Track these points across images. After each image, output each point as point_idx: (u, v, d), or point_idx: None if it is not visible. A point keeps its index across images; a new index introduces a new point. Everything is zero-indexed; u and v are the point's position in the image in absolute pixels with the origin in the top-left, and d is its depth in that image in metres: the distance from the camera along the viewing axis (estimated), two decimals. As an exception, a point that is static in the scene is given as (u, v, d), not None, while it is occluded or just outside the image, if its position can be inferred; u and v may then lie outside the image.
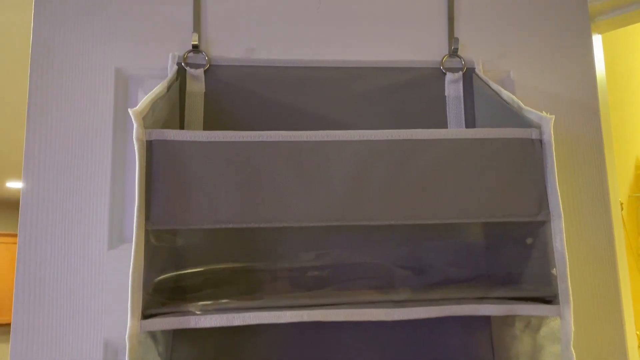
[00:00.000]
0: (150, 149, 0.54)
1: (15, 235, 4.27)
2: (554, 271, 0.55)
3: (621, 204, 1.44)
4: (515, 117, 0.61)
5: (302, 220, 0.54)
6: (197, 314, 0.52)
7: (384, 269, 0.65)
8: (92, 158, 0.70)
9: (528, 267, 0.59)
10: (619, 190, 1.32)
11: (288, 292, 0.63)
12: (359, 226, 0.58)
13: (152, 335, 0.55)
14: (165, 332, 0.60)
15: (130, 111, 0.53)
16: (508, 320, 0.63)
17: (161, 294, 0.56)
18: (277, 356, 0.66)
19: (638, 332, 1.12)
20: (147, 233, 0.52)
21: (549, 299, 0.55)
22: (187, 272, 0.62)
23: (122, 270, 0.68)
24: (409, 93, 0.73)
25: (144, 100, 0.56)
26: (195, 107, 0.70)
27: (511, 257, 0.62)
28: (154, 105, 0.57)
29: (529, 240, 0.59)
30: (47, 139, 0.69)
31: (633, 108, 1.76)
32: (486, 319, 0.68)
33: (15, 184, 3.83)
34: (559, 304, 0.54)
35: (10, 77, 2.13)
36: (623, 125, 1.66)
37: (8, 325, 4.28)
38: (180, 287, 0.61)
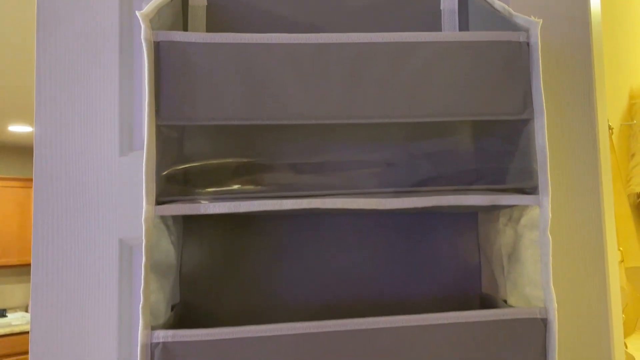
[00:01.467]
0: (158, 49, 0.57)
1: (20, 179, 4.34)
2: (535, 165, 0.59)
3: (611, 128, 1.47)
4: (506, 25, 0.64)
5: (301, 118, 0.58)
6: (206, 202, 0.56)
7: (378, 165, 0.69)
8: (100, 65, 0.73)
9: (512, 163, 0.63)
10: (608, 114, 1.35)
11: (289, 183, 0.67)
12: (354, 125, 0.62)
13: (165, 223, 0.60)
14: (177, 224, 0.65)
15: (137, 13, 0.56)
16: (492, 217, 0.68)
17: (172, 185, 0.60)
18: (278, 251, 0.72)
19: (620, 249, 1.18)
20: (157, 128, 0.56)
21: (530, 191, 0.60)
22: (195, 165, 0.66)
23: (134, 175, 0.73)
24: (404, 7, 0.75)
25: (151, 4, 0.59)
26: (198, 19, 0.72)
27: (496, 154, 0.67)
28: (160, 10, 0.60)
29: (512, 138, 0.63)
30: (56, 47, 0.73)
31: (628, 40, 1.77)
32: (473, 218, 0.73)
33: (18, 128, 3.85)
34: (538, 194, 0.59)
35: (6, 15, 2.12)
36: (618, 56, 1.67)
37: (17, 266, 4.40)
38: (189, 179, 0.66)
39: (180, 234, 0.68)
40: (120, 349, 0.71)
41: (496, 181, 0.66)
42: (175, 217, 0.64)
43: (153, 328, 0.55)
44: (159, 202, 0.56)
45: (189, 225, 0.71)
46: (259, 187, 0.66)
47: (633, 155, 1.65)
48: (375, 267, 0.72)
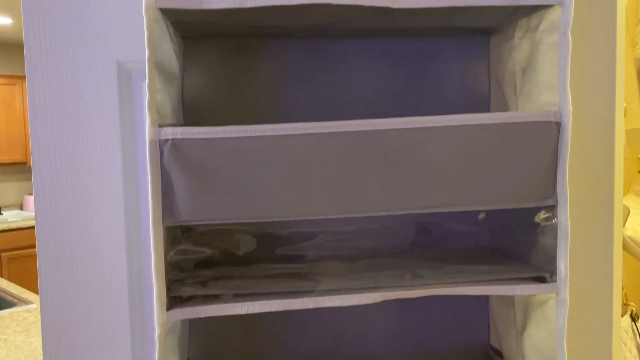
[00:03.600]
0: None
1: (4, 76, 4.21)
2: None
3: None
4: None
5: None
6: None
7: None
8: None
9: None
10: None
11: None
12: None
13: (166, 25, 0.57)
14: (177, 37, 0.62)
15: None
16: (507, 34, 0.66)
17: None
18: (284, 76, 0.69)
19: (624, 104, 1.16)
20: None
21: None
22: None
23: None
24: None
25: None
26: None
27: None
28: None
29: None
30: None
31: None
32: (484, 42, 0.70)
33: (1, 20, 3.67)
34: (560, -5, 0.56)
35: None
36: None
37: (9, 164, 4.38)
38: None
39: (181, 49, 0.65)
40: (125, 183, 0.70)
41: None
42: (175, 27, 0.60)
43: (160, 126, 0.53)
44: None
45: (189, 48, 0.68)
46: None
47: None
48: (384, 93, 0.71)
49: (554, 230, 0.58)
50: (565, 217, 0.57)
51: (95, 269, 0.68)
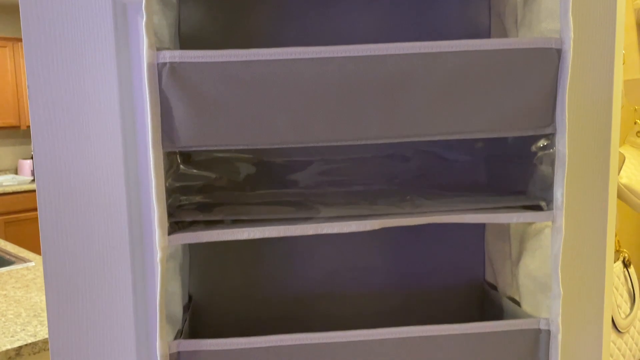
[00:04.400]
0: None
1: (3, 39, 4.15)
2: None
3: None
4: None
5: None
6: None
7: None
8: None
9: None
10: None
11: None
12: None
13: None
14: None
15: None
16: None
17: None
18: (281, 16, 0.68)
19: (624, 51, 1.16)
20: None
21: None
22: None
23: None
24: None
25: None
26: None
27: None
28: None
29: None
30: None
31: None
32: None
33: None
34: None
35: None
36: None
37: (3, 128, 4.34)
38: None
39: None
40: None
41: None
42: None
43: (158, 49, 0.53)
44: None
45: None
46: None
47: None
48: (384, 29, 0.70)
49: (551, 159, 0.58)
50: (564, 146, 0.57)
51: (95, 207, 0.68)
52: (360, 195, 0.66)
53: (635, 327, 1.16)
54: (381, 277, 0.75)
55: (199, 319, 0.72)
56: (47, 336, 1.47)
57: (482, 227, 0.75)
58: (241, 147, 0.55)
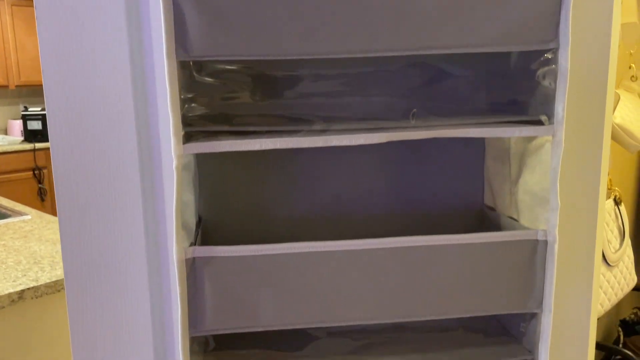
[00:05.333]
0: None
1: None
2: None
3: None
4: None
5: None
6: None
7: None
8: None
9: None
10: None
11: None
12: None
13: None
14: None
15: None
16: None
17: None
18: None
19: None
20: None
21: None
22: None
23: None
24: None
25: None
26: None
27: None
28: None
29: None
30: None
31: None
32: None
33: None
34: None
35: None
36: None
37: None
38: None
39: None
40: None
41: None
42: None
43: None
44: None
45: None
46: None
47: None
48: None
49: (553, 74, 0.60)
50: (566, 60, 0.59)
51: (103, 121, 0.68)
52: (366, 108, 0.67)
53: (624, 263, 1.20)
54: (383, 202, 0.77)
55: (207, 238, 0.74)
56: (48, 281, 1.50)
57: (482, 151, 0.77)
58: (253, 58, 0.56)
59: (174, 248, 0.56)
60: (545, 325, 0.63)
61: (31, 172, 4.16)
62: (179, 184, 0.55)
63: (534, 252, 0.63)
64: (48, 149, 4.22)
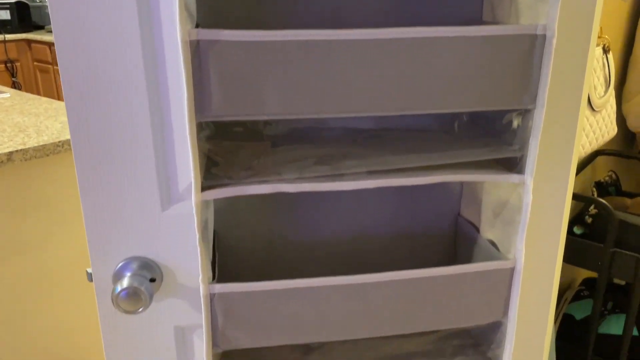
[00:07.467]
0: None
1: None
2: None
3: None
4: None
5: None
6: None
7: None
8: None
9: None
10: None
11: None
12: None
13: None
14: None
15: None
16: None
17: None
18: None
19: None
20: None
21: None
22: None
23: None
24: None
25: None
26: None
27: None
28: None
29: None
30: None
31: None
32: None
33: None
34: None
35: None
36: None
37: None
38: None
39: None
40: None
41: None
42: None
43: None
44: None
45: None
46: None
47: None
48: None
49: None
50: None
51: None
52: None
53: (606, 110, 1.23)
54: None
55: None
56: (36, 145, 1.49)
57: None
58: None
59: (177, 28, 0.55)
60: (537, 120, 0.66)
61: (3, 65, 4.02)
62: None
63: (533, 46, 0.64)
64: (19, 40, 4.04)
